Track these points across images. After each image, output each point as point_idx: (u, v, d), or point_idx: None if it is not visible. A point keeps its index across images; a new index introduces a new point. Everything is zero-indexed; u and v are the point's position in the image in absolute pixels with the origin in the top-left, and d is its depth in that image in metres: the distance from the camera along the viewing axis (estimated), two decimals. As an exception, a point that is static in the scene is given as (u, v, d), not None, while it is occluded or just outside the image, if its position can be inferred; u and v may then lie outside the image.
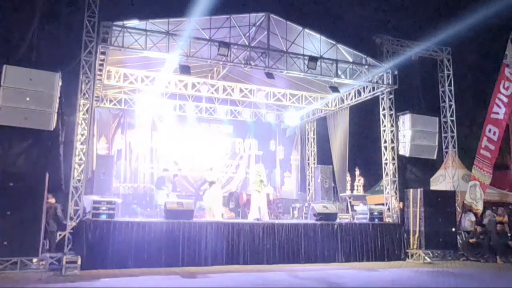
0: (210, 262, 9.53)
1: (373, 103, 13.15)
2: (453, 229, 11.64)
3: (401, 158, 12.48)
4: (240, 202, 13.41)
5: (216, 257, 9.62)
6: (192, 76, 12.07)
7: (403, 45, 12.74)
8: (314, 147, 16.74)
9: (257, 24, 11.65)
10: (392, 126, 12.33)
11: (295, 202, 15.38)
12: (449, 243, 11.53)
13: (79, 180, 9.31)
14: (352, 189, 13.04)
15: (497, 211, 13.18)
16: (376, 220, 11.56)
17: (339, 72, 11.67)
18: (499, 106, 12.87)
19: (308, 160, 16.69)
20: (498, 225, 11.77)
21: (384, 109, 12.50)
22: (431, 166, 14.27)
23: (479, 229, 11.80)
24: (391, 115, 12.39)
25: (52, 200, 10.05)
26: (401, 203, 12.25)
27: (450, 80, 13.34)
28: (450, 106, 13.28)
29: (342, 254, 10.72)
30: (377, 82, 12.28)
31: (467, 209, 12.73)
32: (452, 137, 13.19)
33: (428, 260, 10.86)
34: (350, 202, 12.84)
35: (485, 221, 12.44)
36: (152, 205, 12.96)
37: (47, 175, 8.79)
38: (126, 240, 9.02)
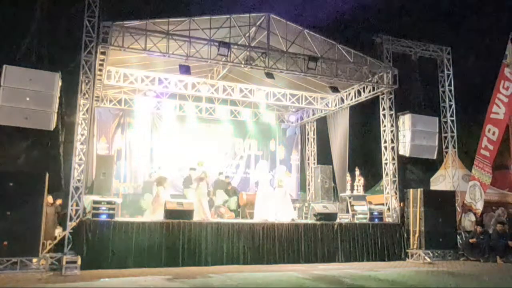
0: (210, 262, 9.52)
1: (373, 103, 13.15)
2: (453, 229, 11.63)
3: (401, 158, 12.48)
4: (241, 202, 13.39)
5: (216, 257, 9.61)
6: (192, 76, 12.07)
7: (403, 45, 12.74)
8: (314, 147, 16.74)
9: (257, 24, 11.65)
10: (392, 126, 12.33)
11: (295, 202, 15.37)
12: (449, 243, 11.53)
13: (79, 180, 9.31)
14: (352, 189, 13.04)
15: (498, 211, 13.18)
16: (376, 220, 11.56)
17: (339, 72, 11.67)
18: (498, 106, 12.87)
19: (308, 160, 16.69)
20: (498, 225, 11.76)
21: (384, 109, 12.50)
22: (431, 166, 14.28)
23: (479, 229, 11.80)
24: (391, 115, 12.39)
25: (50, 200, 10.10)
26: (401, 203, 12.25)
27: (450, 80, 13.33)
28: (450, 106, 13.28)
29: (342, 254, 10.72)
30: (377, 82, 12.28)
31: (467, 209, 12.74)
32: (452, 137, 13.18)
33: (428, 260, 10.86)
34: (350, 202, 12.84)
35: (486, 220, 12.45)
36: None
37: (47, 175, 8.79)
38: (126, 240, 9.02)
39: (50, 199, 10.47)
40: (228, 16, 10.80)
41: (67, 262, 8.26)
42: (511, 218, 12.63)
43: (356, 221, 11.66)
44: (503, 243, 11.11)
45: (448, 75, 13.35)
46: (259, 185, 12.06)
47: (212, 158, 15.16)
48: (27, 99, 8.78)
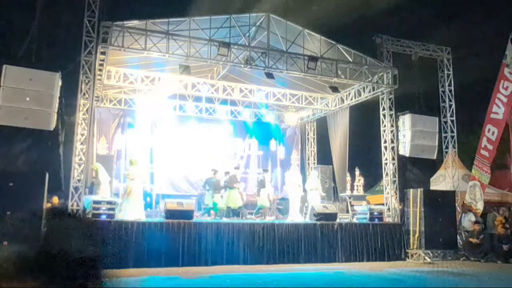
0: (210, 262, 9.52)
1: (373, 103, 13.15)
2: (453, 229, 11.63)
3: (401, 158, 12.47)
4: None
5: (216, 257, 9.61)
6: (192, 76, 12.07)
7: (403, 45, 12.74)
8: (314, 147, 16.74)
9: (257, 24, 11.65)
10: (392, 126, 12.33)
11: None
12: (449, 243, 11.51)
13: (79, 180, 9.31)
14: (352, 189, 13.04)
15: (499, 211, 13.16)
16: (376, 220, 11.56)
17: (339, 72, 11.67)
18: (498, 106, 12.86)
19: (308, 160, 16.69)
20: (499, 226, 11.75)
21: (384, 109, 12.50)
22: (431, 166, 14.26)
23: (477, 227, 11.80)
24: (391, 115, 12.39)
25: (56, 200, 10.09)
26: (401, 203, 12.25)
27: (450, 80, 13.33)
28: (450, 106, 13.27)
29: (342, 254, 10.72)
30: (377, 82, 12.28)
31: (467, 209, 12.73)
32: (452, 137, 13.18)
33: (428, 260, 10.86)
34: (350, 202, 12.84)
35: (488, 220, 12.44)
36: (152, 205, 12.96)
37: (47, 175, 8.79)
38: (126, 240, 9.01)
39: (55, 200, 10.45)
40: (228, 16, 10.80)
41: (67, 262, 8.25)
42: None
43: (356, 221, 11.66)
44: (504, 246, 11.10)
45: (448, 75, 13.34)
46: (293, 187, 12.17)
47: (211, 158, 15.17)
48: (27, 99, 8.77)
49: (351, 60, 11.90)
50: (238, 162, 16.17)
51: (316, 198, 12.16)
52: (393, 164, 12.24)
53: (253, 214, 12.39)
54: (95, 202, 9.42)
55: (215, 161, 15.08)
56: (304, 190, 12.38)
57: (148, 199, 13.53)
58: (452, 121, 13.21)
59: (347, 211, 12.76)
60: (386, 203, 12.24)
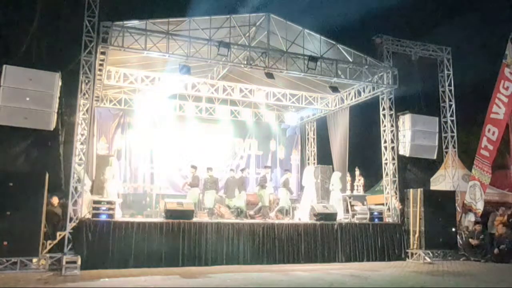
0: (210, 262, 9.53)
1: (373, 103, 13.15)
2: (453, 229, 11.64)
3: (401, 158, 12.47)
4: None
5: (216, 257, 9.62)
6: (192, 76, 12.07)
7: (403, 45, 12.74)
8: (314, 147, 16.74)
9: (257, 24, 11.65)
10: (392, 126, 12.33)
11: (295, 202, 15.35)
12: (449, 243, 11.52)
13: (79, 180, 9.30)
14: (352, 189, 13.04)
15: (498, 210, 13.16)
16: (376, 220, 11.56)
17: (339, 72, 11.67)
18: (498, 106, 12.87)
19: (308, 160, 16.69)
20: (499, 226, 11.73)
21: (384, 109, 12.50)
22: (431, 166, 14.27)
23: (478, 227, 11.79)
24: (391, 115, 12.39)
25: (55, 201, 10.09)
26: (401, 203, 12.25)
27: (450, 80, 13.33)
28: (450, 106, 13.28)
29: (342, 254, 10.72)
30: (377, 82, 12.29)
31: (467, 209, 12.73)
32: (452, 137, 13.18)
33: (428, 260, 10.86)
34: (350, 202, 12.83)
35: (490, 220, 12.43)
36: (152, 205, 12.95)
37: (47, 175, 8.79)
38: (126, 240, 9.02)
39: (55, 200, 10.45)
40: (228, 16, 10.80)
41: (67, 262, 8.26)
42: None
43: (356, 221, 11.66)
44: (501, 246, 11.10)
45: (448, 75, 13.35)
46: (306, 188, 12.40)
47: (211, 158, 15.16)
48: (27, 99, 8.77)
49: (351, 60, 11.90)
50: (238, 162, 16.17)
51: (311, 195, 12.29)
52: (393, 164, 12.24)
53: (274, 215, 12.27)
54: (95, 202, 9.41)
55: (215, 161, 15.09)
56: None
57: (148, 199, 13.54)
58: (452, 121, 13.21)
59: (347, 211, 12.76)
60: (386, 203, 12.24)
